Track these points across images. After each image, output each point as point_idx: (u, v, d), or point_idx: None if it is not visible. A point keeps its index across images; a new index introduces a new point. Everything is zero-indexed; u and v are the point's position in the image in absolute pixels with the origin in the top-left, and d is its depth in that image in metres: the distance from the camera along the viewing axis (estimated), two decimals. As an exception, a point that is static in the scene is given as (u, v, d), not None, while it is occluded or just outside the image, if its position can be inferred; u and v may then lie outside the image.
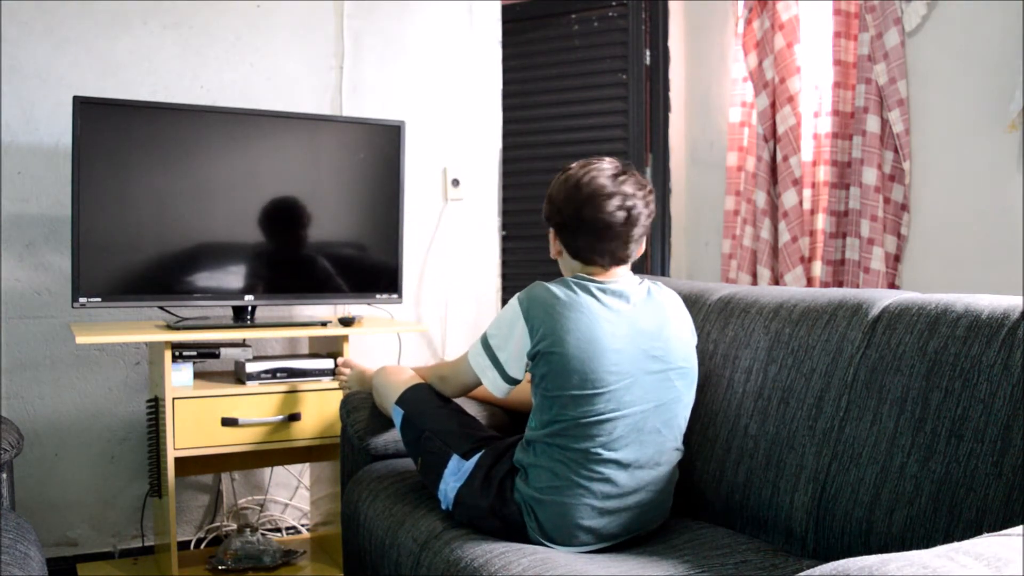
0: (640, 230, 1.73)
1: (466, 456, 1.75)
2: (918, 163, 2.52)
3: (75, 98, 2.30)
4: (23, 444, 1.91)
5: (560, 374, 1.61)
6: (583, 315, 1.63)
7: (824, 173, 2.77)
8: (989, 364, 1.37)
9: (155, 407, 2.44)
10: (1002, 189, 2.31)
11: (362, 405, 2.14)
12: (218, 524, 2.85)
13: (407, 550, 1.71)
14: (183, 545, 2.78)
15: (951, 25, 2.43)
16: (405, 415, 1.90)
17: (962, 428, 1.37)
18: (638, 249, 1.76)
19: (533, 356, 1.66)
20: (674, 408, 1.69)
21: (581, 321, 1.63)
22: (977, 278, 2.34)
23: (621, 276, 1.74)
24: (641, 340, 1.66)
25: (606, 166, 1.74)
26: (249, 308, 2.52)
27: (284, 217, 2.58)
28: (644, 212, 1.72)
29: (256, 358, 2.53)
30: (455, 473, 1.74)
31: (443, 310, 3.14)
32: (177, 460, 2.32)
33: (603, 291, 1.68)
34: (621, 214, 1.68)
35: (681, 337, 1.73)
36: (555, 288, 1.68)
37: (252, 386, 2.41)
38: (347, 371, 2.38)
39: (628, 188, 1.70)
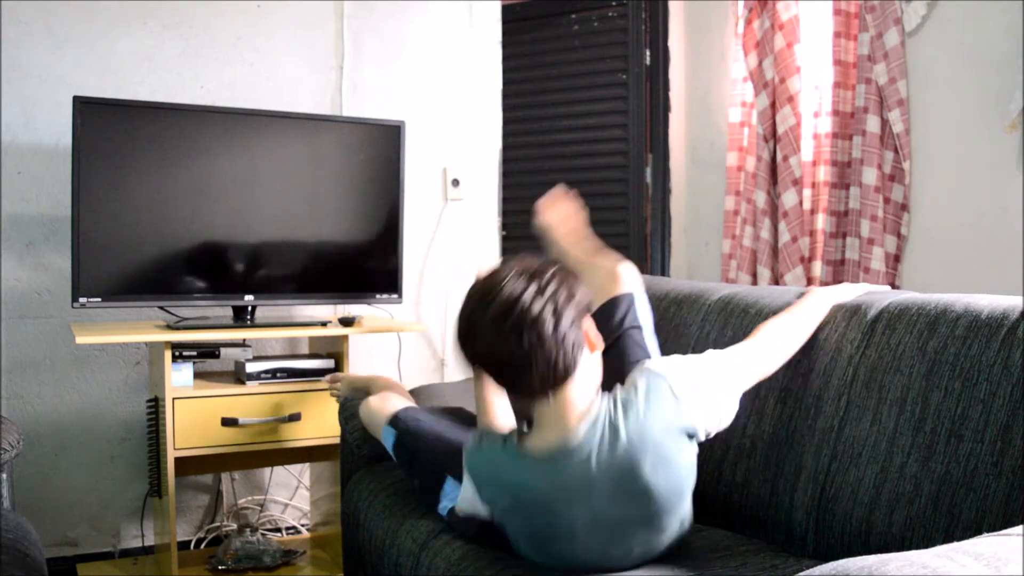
0: (511, 360, 1.29)
1: (460, 478, 1.63)
2: (918, 163, 2.52)
3: (75, 98, 2.30)
4: (23, 444, 1.91)
5: (519, 541, 1.46)
6: (529, 487, 1.39)
7: (824, 173, 2.77)
8: (989, 364, 1.37)
9: (155, 407, 2.44)
10: (1002, 189, 2.31)
11: (356, 412, 2.14)
12: (218, 524, 2.85)
13: (407, 550, 1.71)
14: (183, 545, 2.78)
15: (951, 25, 2.43)
16: (397, 436, 1.86)
17: (962, 428, 1.36)
18: (555, 379, 1.31)
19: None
20: (668, 527, 1.43)
21: (528, 495, 1.39)
22: (977, 278, 2.34)
23: (576, 411, 1.35)
24: (607, 499, 1.36)
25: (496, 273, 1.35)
26: (249, 308, 2.52)
27: (284, 217, 2.58)
28: (489, 335, 1.30)
29: (256, 358, 2.53)
30: (449, 494, 1.69)
31: (443, 310, 3.14)
32: (177, 460, 2.32)
33: (551, 455, 1.36)
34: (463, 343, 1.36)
35: (667, 476, 1.37)
36: (496, 454, 1.43)
37: (252, 386, 2.41)
38: (337, 385, 2.31)
39: (473, 304, 1.33)
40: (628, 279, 1.81)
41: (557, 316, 1.30)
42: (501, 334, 1.29)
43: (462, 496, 1.51)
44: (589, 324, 1.38)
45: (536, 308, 1.29)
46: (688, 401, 1.40)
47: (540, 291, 1.30)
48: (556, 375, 1.31)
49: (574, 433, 1.34)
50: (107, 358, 2.70)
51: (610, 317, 1.76)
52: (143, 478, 2.68)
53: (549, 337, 1.29)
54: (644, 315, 1.77)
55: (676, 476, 1.39)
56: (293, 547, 2.67)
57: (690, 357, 1.49)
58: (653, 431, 1.35)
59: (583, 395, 1.36)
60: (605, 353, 1.51)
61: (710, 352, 1.54)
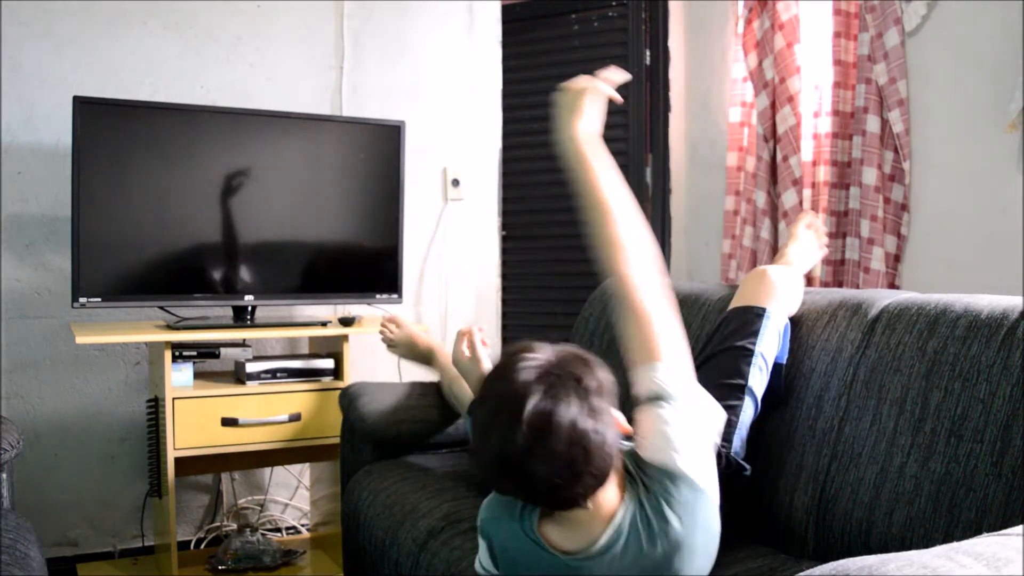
0: (534, 470, 1.15)
1: None
2: (918, 163, 2.52)
3: (75, 98, 2.30)
4: (23, 444, 1.91)
5: None
6: None
7: (824, 173, 2.77)
8: (988, 364, 1.37)
9: (155, 407, 2.44)
10: (1002, 189, 2.31)
11: (361, 392, 2.19)
12: (218, 524, 2.85)
13: (407, 550, 1.71)
14: (183, 545, 2.78)
15: (951, 25, 2.43)
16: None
17: (962, 428, 1.36)
18: (597, 486, 1.19)
19: None
20: None
21: None
22: (977, 278, 2.33)
23: (604, 513, 1.24)
24: None
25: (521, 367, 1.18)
26: (249, 308, 2.52)
27: (284, 217, 2.58)
28: (506, 448, 1.15)
29: (256, 358, 2.53)
30: None
31: (443, 310, 3.14)
32: (177, 460, 2.32)
33: (572, 556, 1.26)
34: (484, 457, 1.21)
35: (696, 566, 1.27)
36: (513, 529, 1.31)
37: (252, 386, 2.41)
38: (394, 328, 2.25)
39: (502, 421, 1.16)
40: (780, 292, 1.66)
41: (598, 420, 1.16)
42: (542, 456, 1.14)
43: (480, 557, 1.40)
44: (616, 412, 1.23)
45: (578, 419, 1.14)
46: (713, 488, 1.30)
47: (580, 398, 1.16)
48: (598, 483, 1.20)
49: (598, 542, 1.24)
50: (107, 358, 2.70)
51: (723, 327, 1.66)
52: (143, 478, 2.68)
53: (596, 448, 1.16)
54: (769, 342, 1.62)
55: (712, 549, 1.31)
56: (293, 547, 2.67)
57: (692, 426, 1.31)
58: (689, 542, 1.25)
59: (612, 490, 1.24)
60: (700, 365, 1.49)
61: (685, 393, 1.33)
